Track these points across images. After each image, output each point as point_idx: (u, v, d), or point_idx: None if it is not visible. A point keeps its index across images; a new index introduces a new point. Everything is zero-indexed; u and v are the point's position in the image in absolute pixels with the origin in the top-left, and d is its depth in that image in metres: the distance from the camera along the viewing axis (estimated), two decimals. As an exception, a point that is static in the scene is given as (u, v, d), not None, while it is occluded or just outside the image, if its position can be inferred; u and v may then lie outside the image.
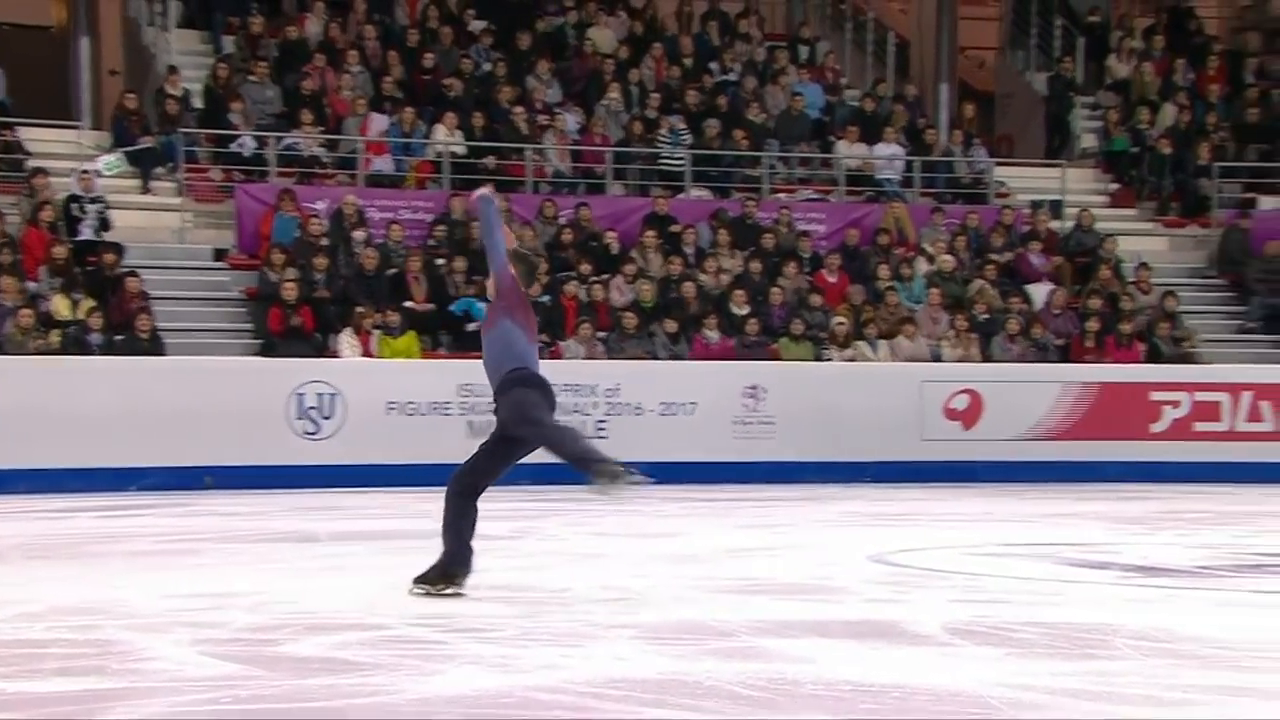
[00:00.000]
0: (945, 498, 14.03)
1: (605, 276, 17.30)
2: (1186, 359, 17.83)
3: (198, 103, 18.66)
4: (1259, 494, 14.42)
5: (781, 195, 19.55)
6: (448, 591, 7.85)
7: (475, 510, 7.93)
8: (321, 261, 16.72)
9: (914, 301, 17.99)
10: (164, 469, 14.35)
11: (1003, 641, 6.79)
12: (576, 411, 15.08)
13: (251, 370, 15.32)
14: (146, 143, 17.99)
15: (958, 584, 8.42)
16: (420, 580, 7.95)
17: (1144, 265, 19.06)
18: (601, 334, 16.52)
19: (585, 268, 17.31)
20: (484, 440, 8.08)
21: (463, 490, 7.94)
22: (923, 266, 18.58)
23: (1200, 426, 16.60)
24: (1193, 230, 20.60)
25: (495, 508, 11.88)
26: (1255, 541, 10.44)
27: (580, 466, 7.65)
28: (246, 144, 18.28)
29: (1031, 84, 22.73)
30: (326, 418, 14.90)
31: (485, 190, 8.28)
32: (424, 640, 6.86)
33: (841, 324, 17.09)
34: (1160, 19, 23.23)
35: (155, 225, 17.58)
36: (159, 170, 18.03)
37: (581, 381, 15.30)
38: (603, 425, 15.08)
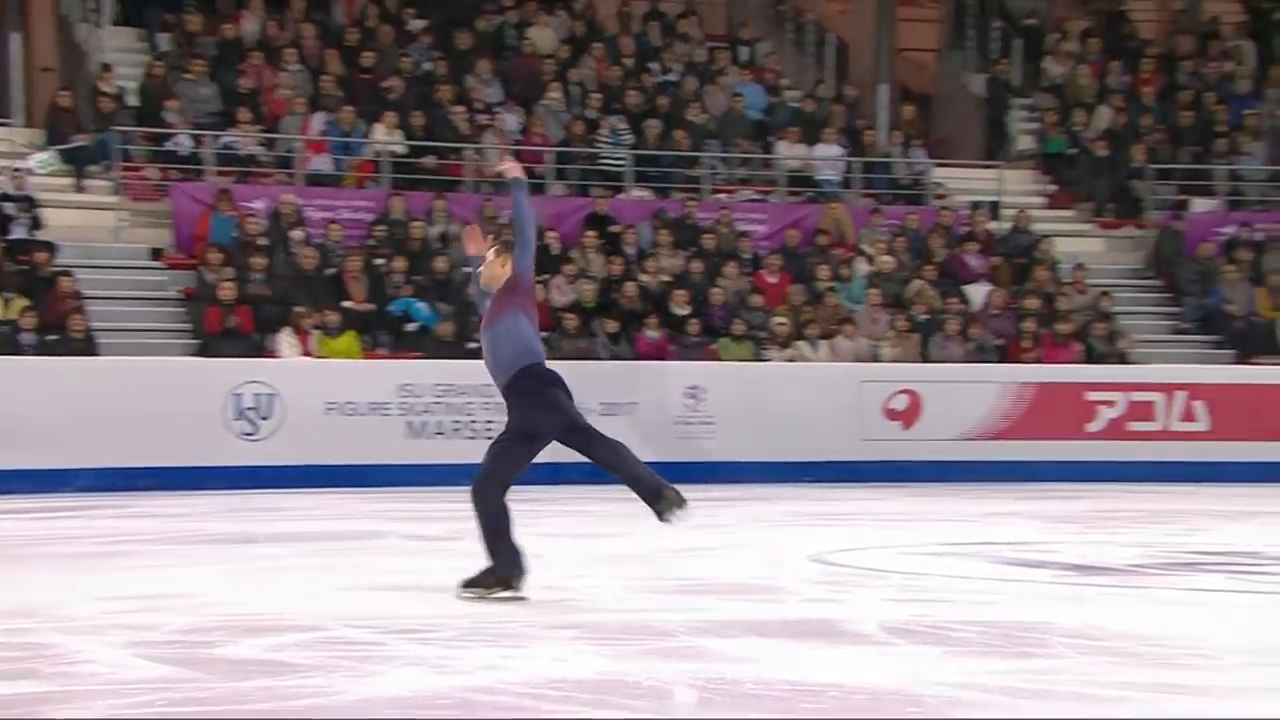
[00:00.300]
0: (885, 497, 14.08)
1: (546, 276, 17.28)
2: (1122, 359, 17.96)
3: (133, 101, 18.53)
4: (1192, 493, 14.52)
5: (722, 195, 19.58)
6: (504, 595, 7.75)
7: (508, 509, 7.83)
8: (259, 261, 16.63)
9: (853, 302, 18.05)
10: (99, 470, 14.24)
11: (940, 640, 6.81)
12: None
13: (188, 371, 15.22)
14: (80, 140, 17.85)
15: (896, 583, 8.44)
16: (470, 585, 7.85)
17: (1080, 266, 19.19)
18: (542, 334, 16.47)
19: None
20: (498, 439, 7.91)
21: (489, 495, 7.84)
22: (862, 267, 18.65)
23: (1135, 426, 16.72)
24: (1128, 231, 20.75)
25: (436, 508, 11.90)
26: (1189, 540, 10.51)
27: (637, 490, 7.65)
28: (183, 143, 18.16)
29: (969, 86, 22.85)
30: (264, 418, 14.82)
31: (518, 171, 8.09)
32: (362, 642, 6.82)
33: (782, 324, 17.13)
34: (1095, 22, 23.39)
35: (90, 224, 17.44)
36: (93, 168, 17.89)
37: None
38: None
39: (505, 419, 7.87)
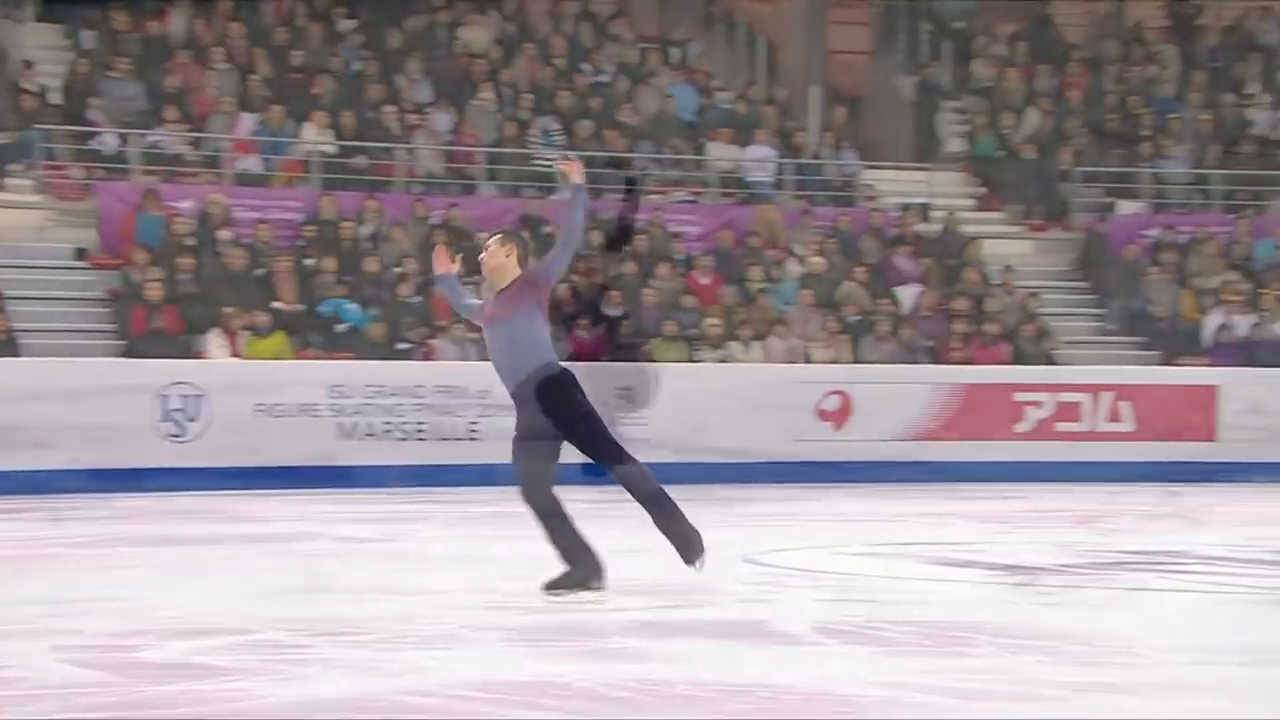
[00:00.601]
0: (816, 498, 14.10)
1: (477, 278, 17.20)
2: (1049, 360, 18.07)
3: (56, 98, 18.34)
4: (1118, 493, 14.61)
5: (654, 197, 19.57)
6: (589, 596, 7.71)
7: (560, 507, 7.76)
8: (187, 261, 16.49)
9: (785, 303, 18.09)
10: (23, 473, 14.05)
11: (871, 640, 6.82)
12: (448, 414, 15.00)
13: (114, 372, 15.04)
14: (2, 139, 17.64)
15: (827, 584, 8.45)
16: (552, 587, 7.77)
17: (1008, 268, 19.29)
18: (474, 335, 16.43)
19: (458, 268, 17.20)
20: (518, 439, 7.83)
21: (534, 497, 7.77)
22: (794, 269, 18.69)
23: (1062, 427, 16.83)
24: (1055, 234, 20.88)
25: (366, 510, 11.84)
26: (1116, 539, 10.56)
27: (661, 524, 7.68)
28: (108, 141, 17.99)
29: (899, 88, 22.94)
30: (192, 420, 14.68)
31: (580, 176, 7.97)
32: (290, 644, 6.76)
33: (714, 325, 17.14)
34: (1023, 26, 23.53)
35: (13, 223, 17.23)
36: (16, 167, 17.69)
37: (454, 383, 15.19)
38: (475, 427, 14.98)
39: (425, 421, 7.81)
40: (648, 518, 7.95)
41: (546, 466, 7.73)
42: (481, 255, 8.02)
